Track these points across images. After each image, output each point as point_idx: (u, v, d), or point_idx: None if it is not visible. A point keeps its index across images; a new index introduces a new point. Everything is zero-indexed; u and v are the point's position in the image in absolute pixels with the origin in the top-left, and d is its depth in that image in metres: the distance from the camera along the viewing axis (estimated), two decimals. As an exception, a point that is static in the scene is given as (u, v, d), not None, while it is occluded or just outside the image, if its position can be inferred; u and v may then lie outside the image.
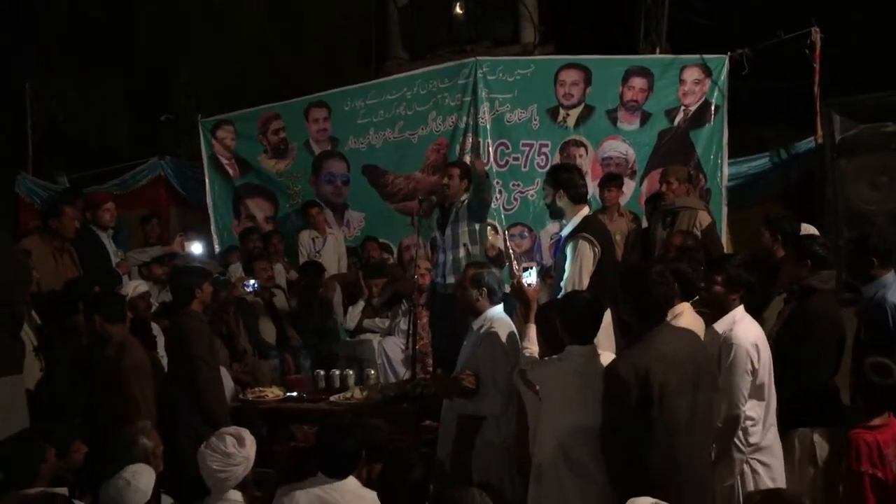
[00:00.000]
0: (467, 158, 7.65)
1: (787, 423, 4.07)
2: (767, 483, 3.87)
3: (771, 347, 4.03)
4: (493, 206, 7.41)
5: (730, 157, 7.44)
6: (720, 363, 3.80)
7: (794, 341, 4.19)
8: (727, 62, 7.37)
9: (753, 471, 3.87)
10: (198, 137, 8.45)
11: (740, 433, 3.83)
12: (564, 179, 4.92)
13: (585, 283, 4.66)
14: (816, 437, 4.14)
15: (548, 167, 7.34)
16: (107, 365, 4.74)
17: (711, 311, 4.06)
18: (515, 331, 4.49)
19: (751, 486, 3.86)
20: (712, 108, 7.42)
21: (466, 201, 5.90)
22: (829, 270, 4.33)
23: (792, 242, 4.76)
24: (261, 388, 5.66)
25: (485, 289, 4.54)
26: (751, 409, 3.84)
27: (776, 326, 4.37)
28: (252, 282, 6.12)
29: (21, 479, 3.74)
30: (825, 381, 4.23)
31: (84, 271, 6.10)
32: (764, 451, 3.90)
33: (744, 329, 3.89)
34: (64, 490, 3.69)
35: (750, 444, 3.85)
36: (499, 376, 4.37)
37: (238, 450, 3.63)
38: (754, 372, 3.83)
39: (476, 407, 4.46)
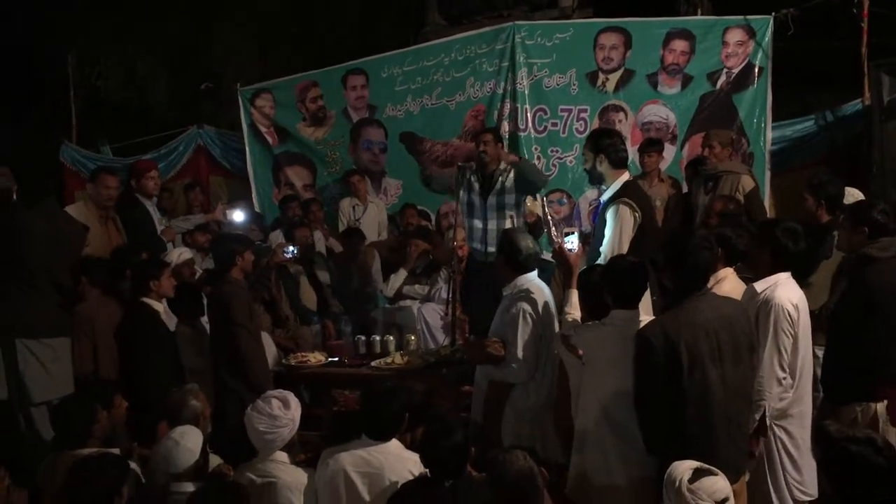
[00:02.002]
0: (505, 125, 7.63)
1: (849, 396, 3.99)
2: (790, 451, 3.86)
3: (829, 320, 3.95)
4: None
5: (774, 120, 7.30)
6: (758, 324, 3.74)
7: (855, 313, 4.02)
8: (772, 23, 7.20)
9: (777, 437, 3.84)
10: (236, 106, 8.51)
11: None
12: (605, 144, 4.87)
13: (625, 248, 4.64)
14: (880, 409, 4.00)
15: (586, 132, 7.28)
16: (79, 320, 5.03)
17: (756, 276, 4.01)
18: (549, 297, 4.49)
19: (774, 453, 3.85)
20: (756, 70, 7.27)
21: (513, 175, 5.87)
22: (889, 237, 4.12)
23: (847, 208, 4.64)
24: (303, 354, 5.75)
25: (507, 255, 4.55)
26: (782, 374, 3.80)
27: (833, 298, 4.26)
28: (291, 248, 6.18)
29: (74, 439, 3.84)
30: (889, 352, 4.01)
31: (129, 238, 6.20)
32: (789, 420, 3.86)
33: (785, 290, 3.81)
34: (115, 450, 3.79)
35: (775, 409, 3.81)
36: (524, 344, 4.37)
37: (283, 412, 3.71)
38: (793, 335, 3.78)
39: (502, 374, 4.48)
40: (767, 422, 3.78)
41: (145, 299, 5.05)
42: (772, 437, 3.84)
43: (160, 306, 5.08)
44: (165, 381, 4.67)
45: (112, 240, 6.09)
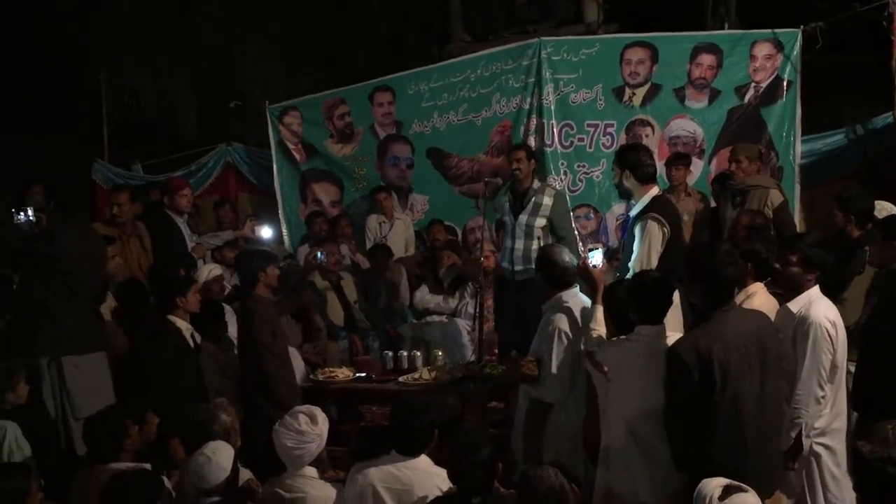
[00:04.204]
0: (531, 140, 7.64)
1: (880, 413, 3.90)
2: (830, 468, 3.82)
3: (860, 337, 3.91)
4: (558, 187, 7.40)
5: (803, 134, 7.24)
6: (795, 343, 3.73)
7: (886, 329, 3.95)
8: (800, 36, 7.16)
9: (816, 454, 3.81)
10: (265, 123, 8.60)
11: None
12: (631, 159, 4.86)
13: (654, 263, 4.62)
14: None
15: (613, 147, 7.29)
16: None
17: (785, 291, 3.98)
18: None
19: (814, 470, 3.81)
20: (784, 83, 7.22)
21: (551, 201, 5.85)
22: None
23: (877, 222, 4.59)
24: (331, 369, 5.77)
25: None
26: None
27: (864, 315, 4.21)
28: (320, 253, 6.26)
29: (106, 453, 3.88)
30: None
31: (156, 255, 6.26)
32: (829, 436, 3.83)
33: (822, 308, 3.80)
34: (147, 466, 3.82)
35: (815, 428, 3.78)
36: (558, 363, 4.36)
37: (311, 427, 3.72)
38: (832, 352, 3.75)
39: (538, 393, 4.47)
40: (805, 441, 3.74)
41: (170, 317, 5.04)
42: (811, 456, 3.80)
43: (184, 324, 5.07)
44: (183, 399, 4.67)
45: (135, 256, 6.13)
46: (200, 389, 5.00)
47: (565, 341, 4.36)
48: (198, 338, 5.24)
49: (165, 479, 3.75)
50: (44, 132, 9.91)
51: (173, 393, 4.76)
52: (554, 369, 4.35)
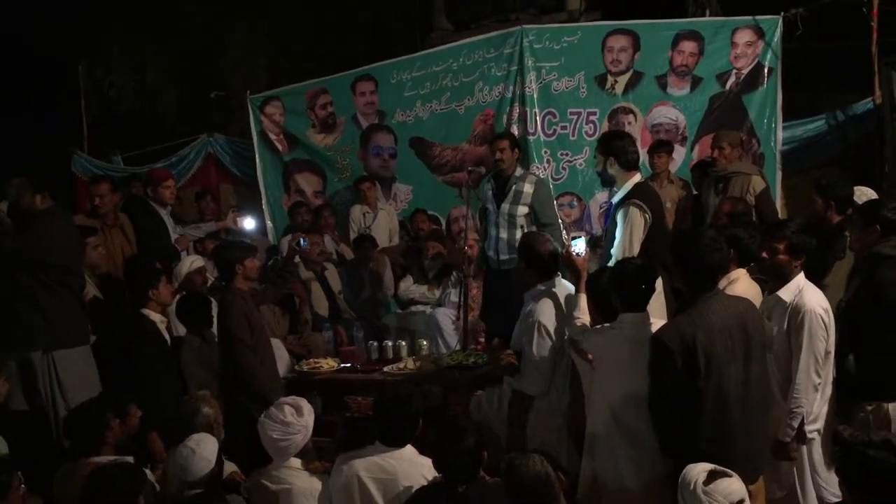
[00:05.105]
0: (514, 129, 7.63)
1: (861, 395, 3.96)
2: (819, 451, 3.86)
3: (841, 318, 3.95)
4: (541, 175, 7.41)
5: (785, 120, 7.27)
6: (790, 333, 3.76)
7: (868, 312, 3.98)
8: (781, 23, 7.17)
9: (808, 440, 3.84)
10: (246, 114, 8.54)
11: None
12: (616, 146, 4.87)
13: (636, 250, 4.62)
14: (892, 409, 3.94)
15: (596, 135, 7.29)
16: None
17: (771, 279, 4.00)
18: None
19: (804, 457, 3.85)
20: (766, 70, 7.24)
21: (532, 189, 5.84)
22: None
23: (857, 207, 4.62)
24: (315, 360, 5.75)
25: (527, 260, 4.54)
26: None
27: (846, 297, 4.24)
28: (302, 239, 6.16)
29: (88, 446, 3.86)
30: None
31: (140, 247, 6.21)
32: (820, 420, 3.86)
33: (814, 296, 3.83)
34: (130, 458, 3.80)
35: (812, 413, 3.80)
36: (538, 356, 4.36)
37: (296, 419, 3.73)
38: (827, 339, 3.78)
39: (519, 384, 4.48)
40: (806, 428, 3.78)
41: (144, 311, 5.00)
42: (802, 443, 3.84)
43: (158, 317, 5.03)
44: (160, 394, 4.65)
45: (117, 247, 6.06)
46: (177, 383, 4.96)
47: (545, 333, 4.36)
48: (178, 329, 5.20)
49: (149, 472, 3.73)
50: (44, 132, 9.82)
51: (150, 387, 4.71)
52: (534, 362, 4.35)
